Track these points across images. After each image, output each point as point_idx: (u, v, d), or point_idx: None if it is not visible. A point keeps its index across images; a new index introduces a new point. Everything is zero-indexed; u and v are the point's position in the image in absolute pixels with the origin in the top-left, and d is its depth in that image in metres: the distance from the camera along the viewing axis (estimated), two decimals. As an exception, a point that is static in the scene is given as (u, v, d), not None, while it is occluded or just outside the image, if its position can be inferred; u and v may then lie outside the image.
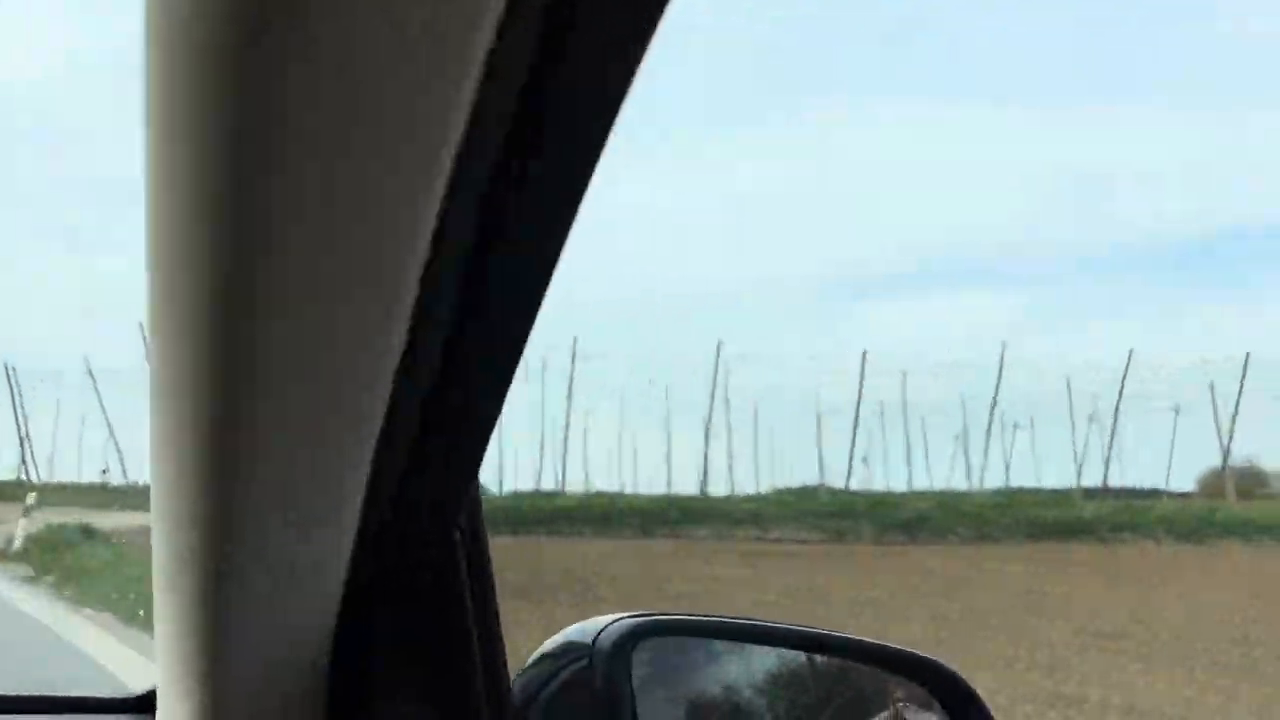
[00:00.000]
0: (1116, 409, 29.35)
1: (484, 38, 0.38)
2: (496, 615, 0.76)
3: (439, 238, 0.46)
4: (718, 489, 33.59)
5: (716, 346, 28.85)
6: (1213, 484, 36.73)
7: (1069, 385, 31.95)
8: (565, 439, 27.28)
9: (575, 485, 28.82)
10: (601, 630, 0.88)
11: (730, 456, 31.01)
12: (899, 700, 1.11)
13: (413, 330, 0.50)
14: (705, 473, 29.25)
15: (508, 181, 0.48)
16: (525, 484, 36.29)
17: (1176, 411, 34.28)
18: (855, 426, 29.09)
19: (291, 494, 0.55)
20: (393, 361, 0.51)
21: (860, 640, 1.13)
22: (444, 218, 0.45)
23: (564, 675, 0.87)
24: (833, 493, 33.71)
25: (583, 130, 0.47)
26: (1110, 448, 30.15)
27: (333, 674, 0.71)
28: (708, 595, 12.29)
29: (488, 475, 37.73)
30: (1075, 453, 32.84)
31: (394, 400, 0.54)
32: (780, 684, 1.10)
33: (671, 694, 1.02)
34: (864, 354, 28.83)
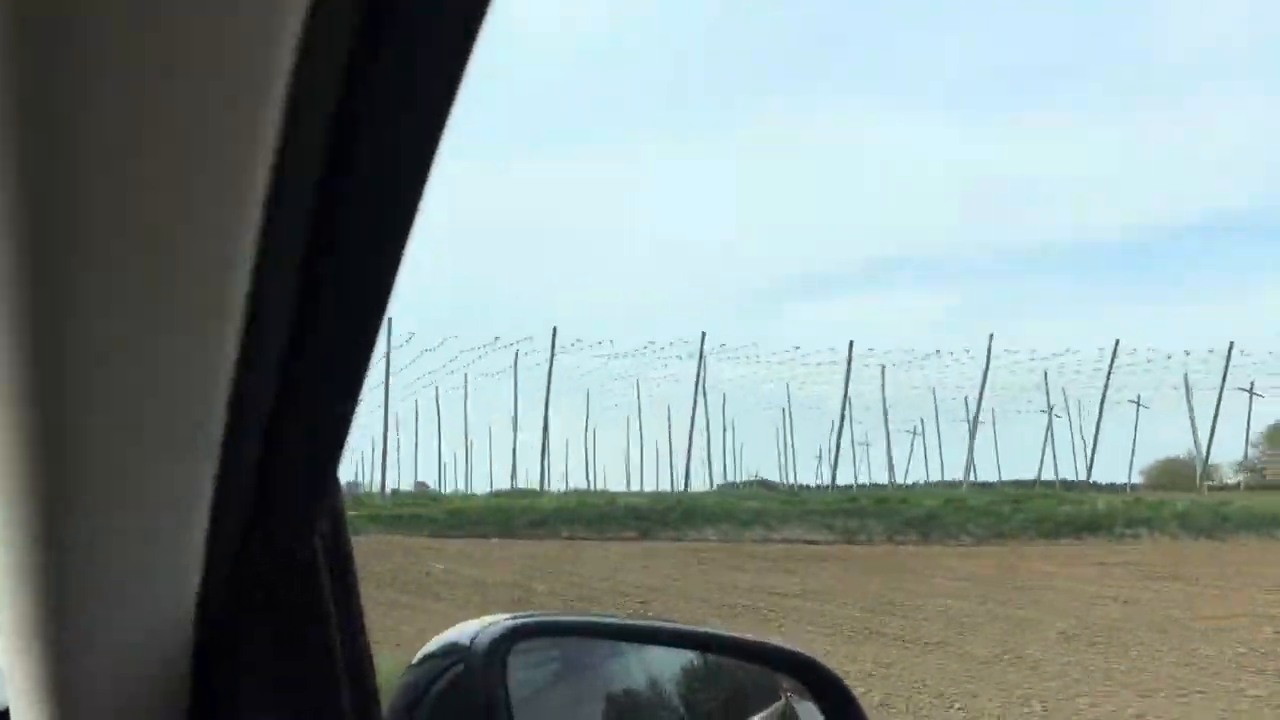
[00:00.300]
0: (1102, 401, 28.97)
1: (296, 16, 0.37)
2: (362, 620, 0.74)
3: (267, 235, 0.44)
4: (666, 484, 32.42)
5: (701, 337, 27.53)
6: (1159, 476, 36.99)
7: (1046, 379, 31.57)
8: (545, 434, 25.54)
9: (542, 482, 27.23)
10: (477, 633, 0.89)
11: (709, 451, 29.81)
12: (788, 691, 1.13)
13: (249, 332, 0.48)
14: (688, 469, 27.85)
15: (338, 172, 0.45)
16: (479, 483, 34.58)
17: (1138, 404, 34.30)
18: (842, 419, 28.06)
19: (131, 503, 0.53)
20: (227, 365, 0.49)
21: (744, 638, 1.16)
22: (270, 213, 0.43)
23: (446, 677, 0.86)
24: (802, 488, 32.80)
25: (419, 113, 0.44)
26: (1096, 441, 29.77)
27: (194, 685, 0.69)
28: (778, 611, 10.93)
29: (457, 478, 35.81)
30: (1051, 445, 32.54)
31: (235, 407, 0.52)
32: (674, 679, 1.11)
33: (572, 692, 1.03)
34: (850, 344, 27.88)
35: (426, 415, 32.13)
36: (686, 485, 27.08)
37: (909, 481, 36.50)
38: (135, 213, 0.39)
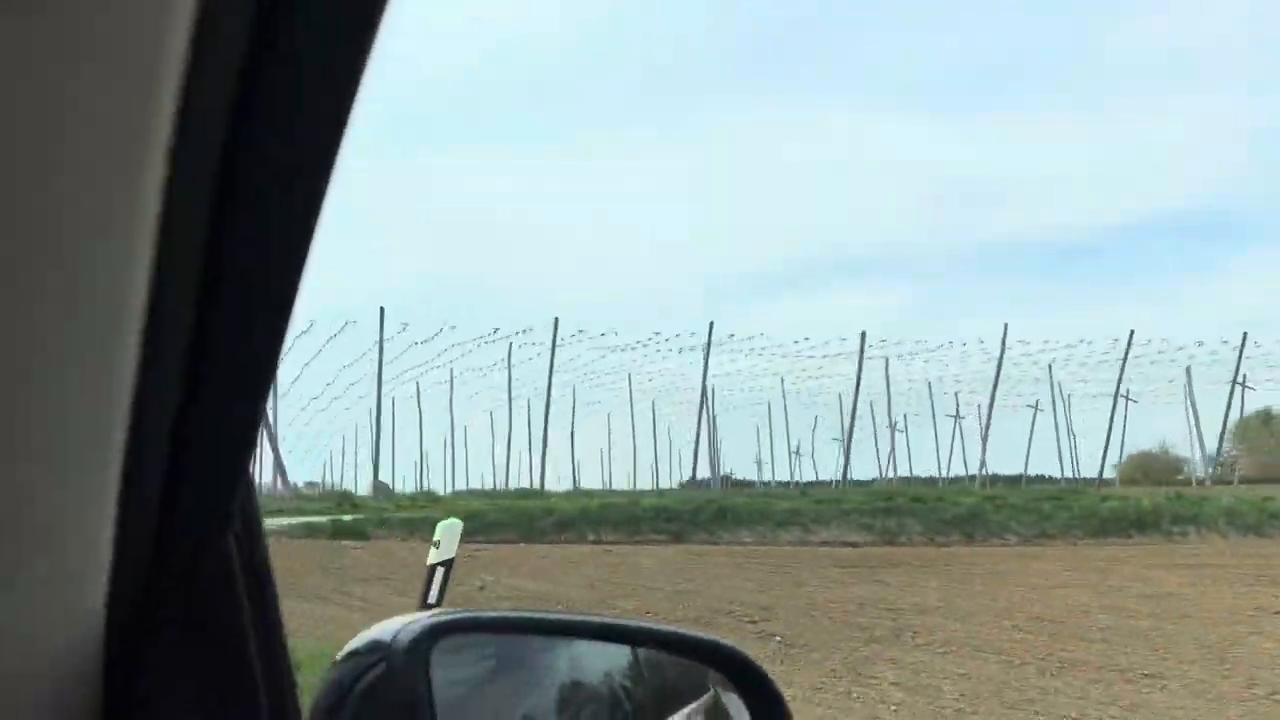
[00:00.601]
0: (1116, 395, 28.19)
1: (189, 6, 0.36)
2: (279, 619, 0.73)
3: (164, 231, 0.43)
4: (646, 482, 30.84)
5: (709, 327, 25.95)
6: (1133, 470, 36.68)
7: (1050, 372, 30.76)
8: (544, 432, 23.65)
9: (517, 483, 25.39)
10: (399, 630, 0.88)
11: (712, 446, 28.23)
12: (716, 684, 1.15)
13: (149, 332, 0.47)
14: (695, 464, 26.21)
15: (237, 168, 0.44)
16: (450, 482, 32.46)
17: (1126, 398, 33.78)
18: (854, 414, 26.75)
19: (36, 510, 0.50)
20: (128, 367, 0.47)
21: (673, 631, 1.19)
22: (168, 210, 0.42)
23: (368, 676, 0.86)
24: (789, 484, 31.48)
25: (320, 107, 0.43)
26: (1109, 435, 29.00)
27: (106, 687, 0.67)
28: (922, 634, 9.40)
29: (429, 477, 33.68)
30: (1056, 441, 31.77)
31: (139, 409, 0.51)
32: (606, 673, 1.11)
33: (507, 688, 1.03)
34: (863, 335, 26.60)
35: (404, 411, 29.93)
36: (694, 479, 25.46)
37: (895, 476, 35.50)
38: (27, 211, 0.37)
